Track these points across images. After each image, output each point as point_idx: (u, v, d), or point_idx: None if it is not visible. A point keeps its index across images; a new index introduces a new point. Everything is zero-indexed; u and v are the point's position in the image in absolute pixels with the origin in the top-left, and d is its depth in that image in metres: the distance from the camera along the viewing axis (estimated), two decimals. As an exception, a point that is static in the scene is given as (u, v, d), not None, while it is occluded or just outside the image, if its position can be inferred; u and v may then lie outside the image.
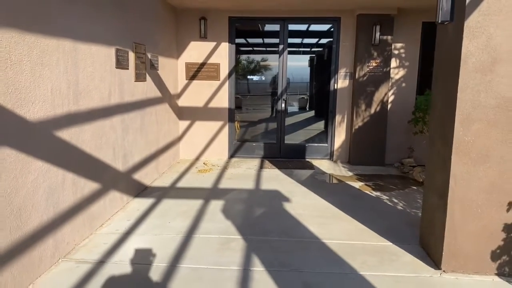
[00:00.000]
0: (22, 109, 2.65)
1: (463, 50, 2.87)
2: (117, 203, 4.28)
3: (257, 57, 8.97)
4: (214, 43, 6.87)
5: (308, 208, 4.51)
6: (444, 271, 3.10)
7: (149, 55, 5.25)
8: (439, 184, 3.18)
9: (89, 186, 3.63)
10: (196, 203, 4.62)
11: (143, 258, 3.23)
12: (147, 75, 5.18)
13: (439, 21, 3.07)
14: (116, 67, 4.20)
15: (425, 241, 3.47)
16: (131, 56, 4.63)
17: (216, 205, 4.57)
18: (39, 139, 2.87)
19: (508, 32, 2.80)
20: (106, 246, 3.43)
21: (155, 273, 2.99)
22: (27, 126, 2.72)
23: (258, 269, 3.08)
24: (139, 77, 4.89)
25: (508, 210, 2.97)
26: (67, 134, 3.25)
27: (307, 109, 13.17)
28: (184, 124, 7.08)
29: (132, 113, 4.71)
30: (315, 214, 4.34)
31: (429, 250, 3.37)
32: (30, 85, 2.73)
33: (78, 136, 3.43)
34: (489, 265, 3.05)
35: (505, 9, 2.78)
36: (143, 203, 4.61)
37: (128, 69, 4.53)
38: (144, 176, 5.17)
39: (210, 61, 6.92)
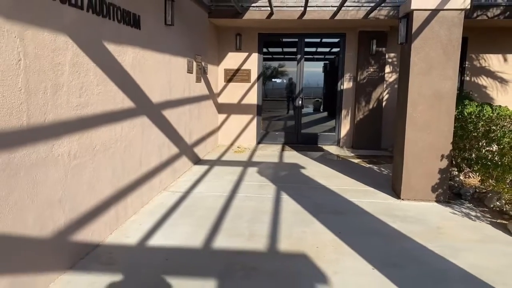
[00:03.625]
0: (151, 95, 4.65)
1: (411, 61, 4.75)
2: (186, 165, 6.27)
3: (288, 66, 11.00)
4: (246, 53, 8.85)
5: (318, 172, 6.41)
6: (402, 199, 4.96)
7: (202, 63, 7.25)
8: (400, 146, 5.06)
9: (174, 149, 5.62)
10: (238, 169, 6.57)
11: (212, 191, 5.20)
12: (201, 78, 7.18)
13: (399, 43, 4.98)
14: (187, 72, 6.21)
15: (393, 185, 5.35)
16: (194, 64, 6.63)
17: (252, 170, 6.51)
18: (155, 114, 4.87)
19: (437, 50, 4.67)
20: (186, 186, 5.40)
21: (222, 197, 4.94)
22: (152, 106, 4.72)
23: (284, 197, 5.01)
24: (198, 79, 6.90)
25: (441, 160, 4.82)
26: (166, 113, 5.25)
27: (321, 110, 15.08)
28: (222, 117, 9.07)
29: (194, 104, 6.70)
30: (323, 175, 6.23)
31: (395, 189, 5.24)
32: (154, 83, 4.73)
33: (170, 116, 5.42)
34: (430, 195, 4.90)
35: (434, 37, 4.66)
36: (202, 168, 6.59)
37: (192, 73, 6.53)
38: (199, 151, 7.15)
39: (243, 67, 8.89)
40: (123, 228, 3.87)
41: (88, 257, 3.22)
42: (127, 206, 4.07)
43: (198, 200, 4.82)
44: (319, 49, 13.19)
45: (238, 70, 8.93)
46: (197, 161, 7.01)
